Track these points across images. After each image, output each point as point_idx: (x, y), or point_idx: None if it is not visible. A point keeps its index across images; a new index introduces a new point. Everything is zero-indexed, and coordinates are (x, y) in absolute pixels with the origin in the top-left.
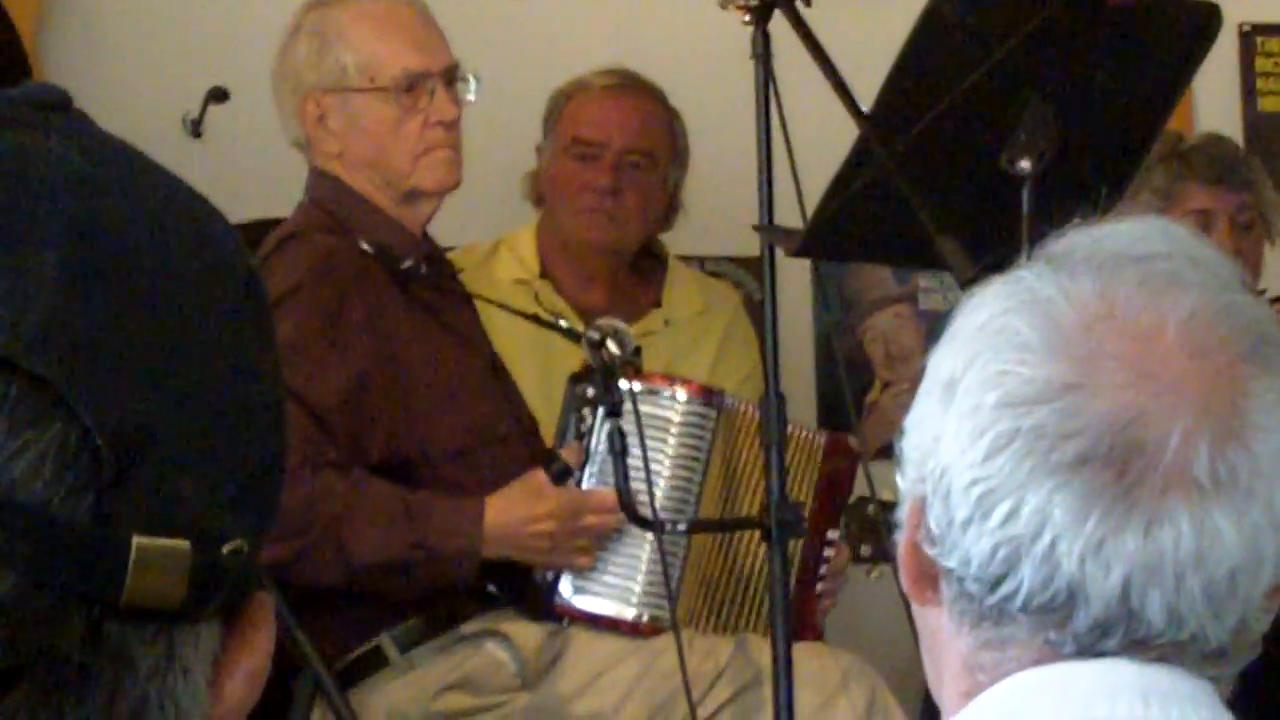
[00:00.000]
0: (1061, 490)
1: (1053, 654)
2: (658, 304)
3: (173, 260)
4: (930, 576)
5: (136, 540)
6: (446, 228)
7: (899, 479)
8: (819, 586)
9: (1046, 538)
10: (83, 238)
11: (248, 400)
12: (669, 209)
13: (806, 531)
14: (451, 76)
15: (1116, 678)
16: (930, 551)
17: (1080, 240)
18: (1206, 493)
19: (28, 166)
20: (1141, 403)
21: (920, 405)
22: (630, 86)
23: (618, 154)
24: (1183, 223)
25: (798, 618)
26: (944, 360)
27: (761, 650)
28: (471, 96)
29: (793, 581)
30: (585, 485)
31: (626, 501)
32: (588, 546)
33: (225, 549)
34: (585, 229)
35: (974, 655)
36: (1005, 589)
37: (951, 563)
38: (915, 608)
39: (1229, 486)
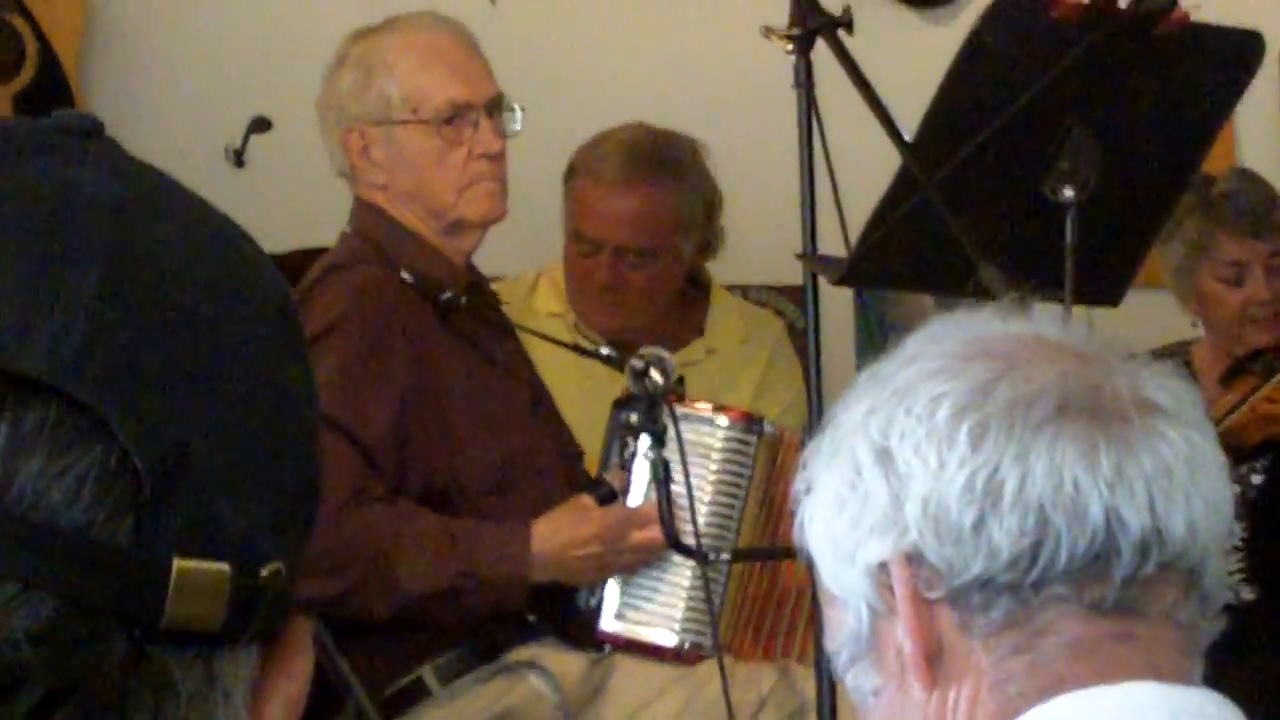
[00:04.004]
0: (1061, 436)
1: (1093, 621)
2: (700, 332)
3: (208, 283)
4: (939, 642)
5: (177, 563)
6: (490, 256)
7: (837, 587)
8: None
9: (1067, 483)
10: (119, 262)
11: (284, 421)
12: (705, 250)
13: None
14: (495, 107)
15: (1144, 698)
16: (938, 593)
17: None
18: (1171, 413)
19: (63, 192)
20: (1072, 366)
21: (850, 504)
22: (636, 177)
23: (614, 252)
24: (1219, 272)
25: None
26: (850, 456)
27: (805, 679)
28: (517, 126)
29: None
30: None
31: (669, 531)
32: (635, 563)
33: (264, 571)
34: (592, 314)
35: (1001, 669)
36: (1045, 554)
37: (975, 569)
38: (886, 700)
39: (1181, 408)
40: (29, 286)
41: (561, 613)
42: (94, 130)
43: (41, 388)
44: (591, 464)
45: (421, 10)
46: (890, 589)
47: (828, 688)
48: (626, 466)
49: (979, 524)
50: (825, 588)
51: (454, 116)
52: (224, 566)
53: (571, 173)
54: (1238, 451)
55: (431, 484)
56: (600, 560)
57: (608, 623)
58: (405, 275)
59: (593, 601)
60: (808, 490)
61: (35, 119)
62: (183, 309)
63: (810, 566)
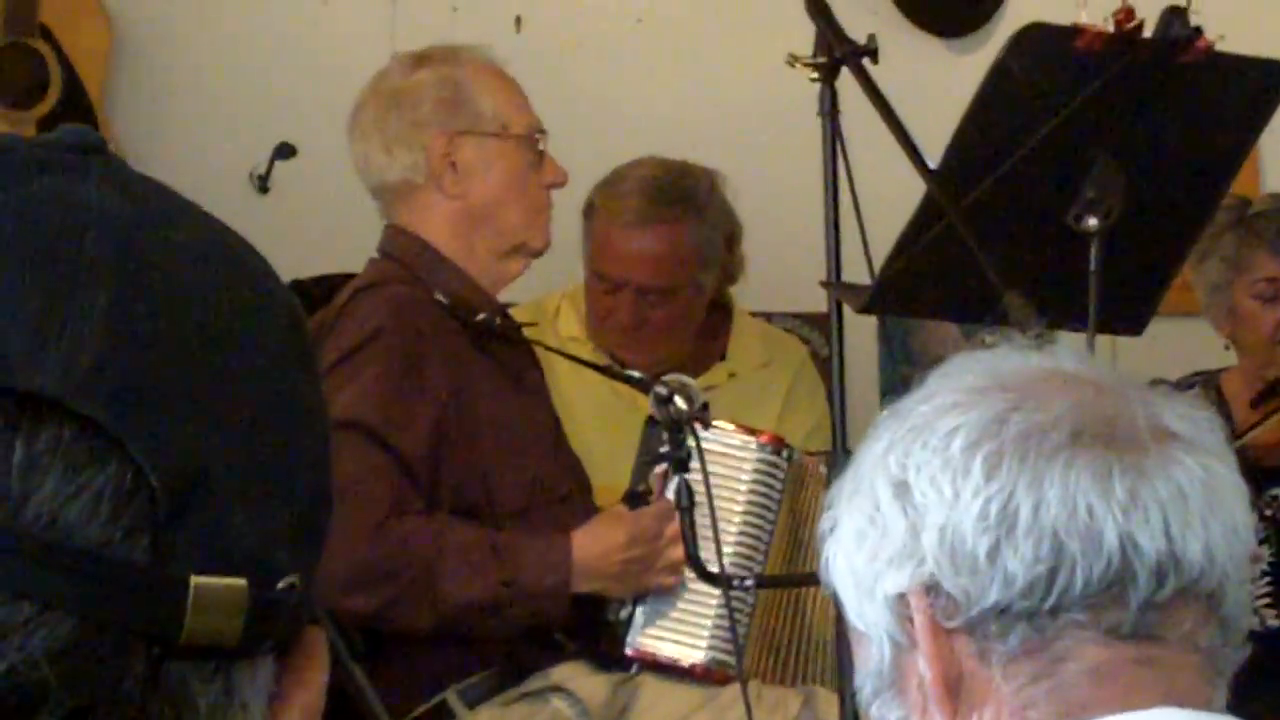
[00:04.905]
0: (1075, 463)
1: (1112, 647)
2: (722, 356)
3: (217, 297)
4: (958, 671)
5: (194, 579)
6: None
7: (860, 622)
8: None
9: (1081, 509)
10: (129, 279)
11: (296, 434)
12: (726, 279)
13: None
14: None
15: None
16: (956, 622)
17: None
18: (1189, 441)
19: (71, 209)
20: (1088, 396)
21: (869, 538)
22: (655, 217)
23: (636, 292)
24: (1255, 289)
25: None
26: (870, 491)
27: (829, 705)
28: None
29: None
30: None
31: (693, 557)
32: (678, 564)
33: (280, 584)
34: (616, 349)
35: (1021, 696)
36: (1061, 581)
37: (992, 597)
38: None
39: (1200, 436)
40: (40, 306)
41: (590, 627)
42: (98, 146)
43: (55, 407)
44: (614, 489)
45: (463, 43)
46: (910, 620)
47: (852, 716)
48: (658, 488)
49: (994, 552)
50: (850, 624)
51: (532, 141)
52: (241, 581)
53: (590, 211)
54: (1267, 472)
55: (462, 502)
56: (641, 562)
57: (634, 638)
58: (439, 296)
59: (622, 615)
60: (832, 529)
61: (39, 136)
62: (193, 324)
63: (838, 603)
